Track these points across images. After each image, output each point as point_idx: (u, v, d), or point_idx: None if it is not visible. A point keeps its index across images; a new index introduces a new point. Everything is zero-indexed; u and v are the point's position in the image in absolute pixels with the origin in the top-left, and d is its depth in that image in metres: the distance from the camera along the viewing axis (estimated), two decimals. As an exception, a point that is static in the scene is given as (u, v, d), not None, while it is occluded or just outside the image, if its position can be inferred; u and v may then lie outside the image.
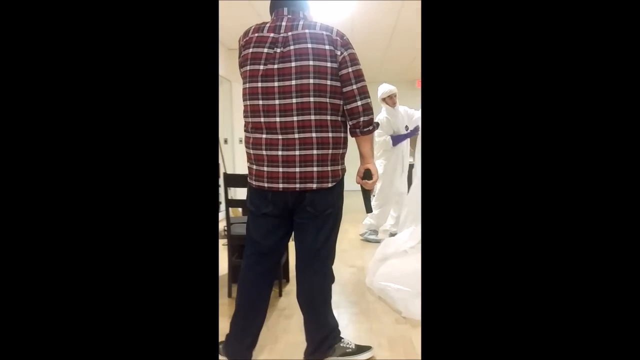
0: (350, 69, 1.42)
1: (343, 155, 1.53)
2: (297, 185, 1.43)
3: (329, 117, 1.41)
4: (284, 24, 1.43)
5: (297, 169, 1.41)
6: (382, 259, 2.68)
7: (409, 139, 3.91)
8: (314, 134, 1.39)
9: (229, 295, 2.50)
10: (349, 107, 1.44)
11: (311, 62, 1.36)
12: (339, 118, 1.46)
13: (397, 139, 3.75)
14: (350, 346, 1.74)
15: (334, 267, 1.70)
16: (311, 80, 1.36)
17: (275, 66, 1.37)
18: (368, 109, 1.46)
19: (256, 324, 1.62)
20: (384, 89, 3.72)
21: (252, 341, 1.63)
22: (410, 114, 3.82)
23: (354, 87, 1.42)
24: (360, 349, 1.76)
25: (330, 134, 1.42)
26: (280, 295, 2.53)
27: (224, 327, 1.61)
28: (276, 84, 1.37)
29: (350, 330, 2.06)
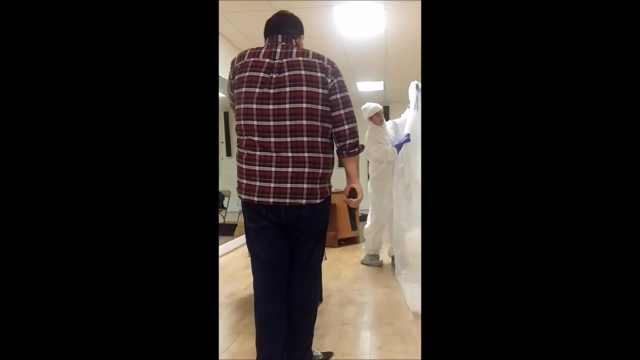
0: (339, 95, 1.53)
1: (331, 174, 1.64)
2: (287, 200, 1.51)
3: (319, 139, 1.52)
4: (278, 50, 1.53)
5: (289, 185, 1.50)
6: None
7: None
8: (306, 154, 1.50)
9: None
10: (337, 130, 1.56)
11: (304, 88, 1.47)
12: (329, 140, 1.58)
13: (398, 147, 3.43)
14: (319, 355, 1.85)
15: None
16: (304, 105, 1.47)
17: (271, 90, 1.48)
18: (354, 132, 1.58)
19: (281, 342, 1.62)
20: (370, 107, 3.50)
21: None
22: (400, 122, 3.52)
23: (342, 111, 1.54)
24: (327, 355, 1.90)
25: (321, 155, 1.53)
26: (313, 313, 2.51)
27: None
28: (271, 106, 1.47)
29: (384, 351, 2.02)
